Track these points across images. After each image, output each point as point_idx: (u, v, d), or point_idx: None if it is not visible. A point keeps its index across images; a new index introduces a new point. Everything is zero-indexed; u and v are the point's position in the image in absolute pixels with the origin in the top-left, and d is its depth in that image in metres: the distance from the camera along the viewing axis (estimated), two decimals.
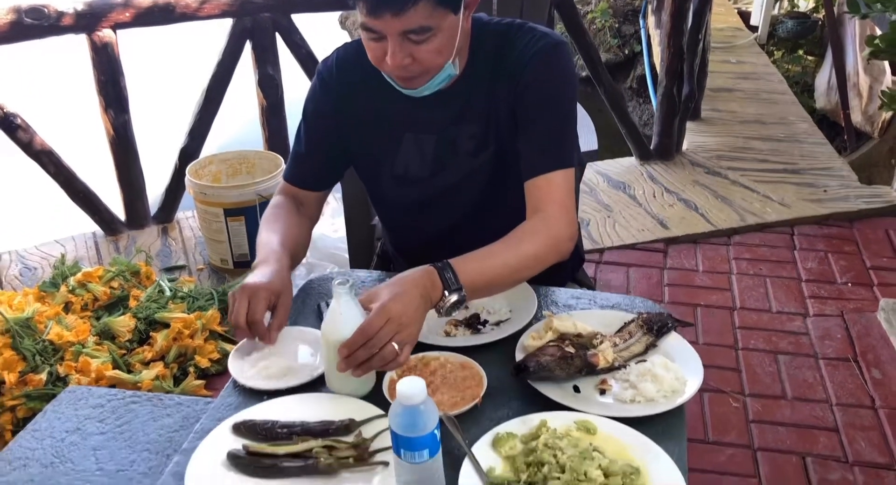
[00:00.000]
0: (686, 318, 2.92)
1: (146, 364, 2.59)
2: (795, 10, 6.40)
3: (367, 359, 1.22)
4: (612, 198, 3.72)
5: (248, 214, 3.03)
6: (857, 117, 4.84)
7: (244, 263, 3.12)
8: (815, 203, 3.64)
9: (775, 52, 6.22)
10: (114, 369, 2.50)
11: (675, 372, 1.33)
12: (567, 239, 1.47)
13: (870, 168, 4.38)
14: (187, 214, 3.57)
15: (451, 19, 1.38)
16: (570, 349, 1.33)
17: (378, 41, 1.38)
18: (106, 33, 3.12)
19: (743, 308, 2.99)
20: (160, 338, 2.62)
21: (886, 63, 4.52)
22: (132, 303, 2.78)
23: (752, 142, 4.30)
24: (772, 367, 2.69)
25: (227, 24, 3.32)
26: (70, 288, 2.82)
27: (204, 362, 2.61)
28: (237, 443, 1.21)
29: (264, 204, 3.04)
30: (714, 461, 2.32)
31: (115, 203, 3.44)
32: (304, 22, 3.42)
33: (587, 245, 3.31)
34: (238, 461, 1.17)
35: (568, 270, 1.88)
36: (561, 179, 1.47)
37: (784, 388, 2.59)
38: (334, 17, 8.39)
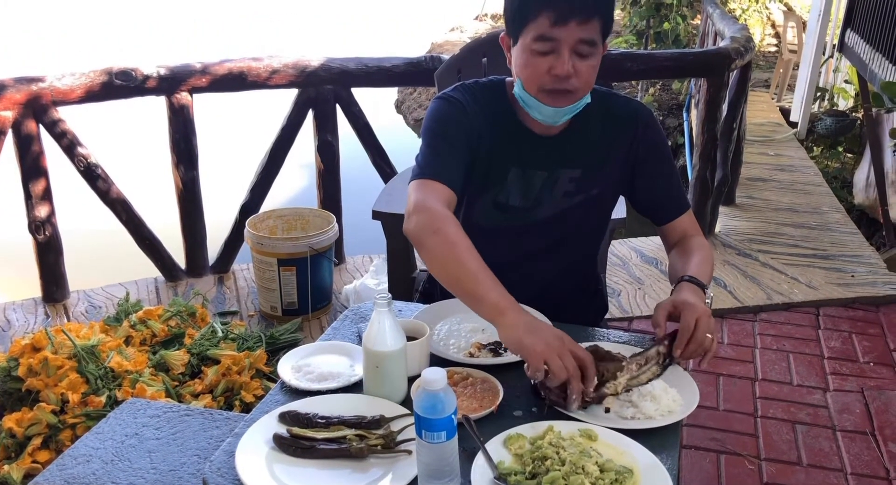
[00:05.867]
0: (707, 386, 3.05)
1: (196, 396, 2.79)
2: (834, 108, 6.60)
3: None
4: (644, 272, 3.88)
5: (300, 265, 3.25)
6: (895, 213, 4.94)
7: (293, 311, 3.33)
8: (842, 287, 3.75)
9: (815, 149, 6.39)
10: (166, 397, 2.70)
11: (673, 395, 1.49)
12: None
13: None
14: (242, 266, 3.82)
15: (599, 50, 1.64)
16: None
17: (546, 56, 1.61)
18: (183, 96, 3.44)
19: (764, 379, 3.09)
20: (210, 372, 2.82)
21: None
22: (187, 340, 3.00)
23: (784, 228, 4.44)
24: (789, 435, 2.78)
25: (292, 93, 3.62)
26: (131, 323, 3.05)
27: (249, 397, 2.79)
28: (282, 429, 1.39)
29: (315, 256, 3.27)
30: None
31: (177, 252, 3.70)
32: (362, 95, 3.71)
33: (617, 313, 3.46)
34: (282, 442, 1.35)
35: (591, 317, 2.05)
36: (691, 213, 1.91)
37: (800, 455, 2.68)
38: (390, 92, 9.41)
